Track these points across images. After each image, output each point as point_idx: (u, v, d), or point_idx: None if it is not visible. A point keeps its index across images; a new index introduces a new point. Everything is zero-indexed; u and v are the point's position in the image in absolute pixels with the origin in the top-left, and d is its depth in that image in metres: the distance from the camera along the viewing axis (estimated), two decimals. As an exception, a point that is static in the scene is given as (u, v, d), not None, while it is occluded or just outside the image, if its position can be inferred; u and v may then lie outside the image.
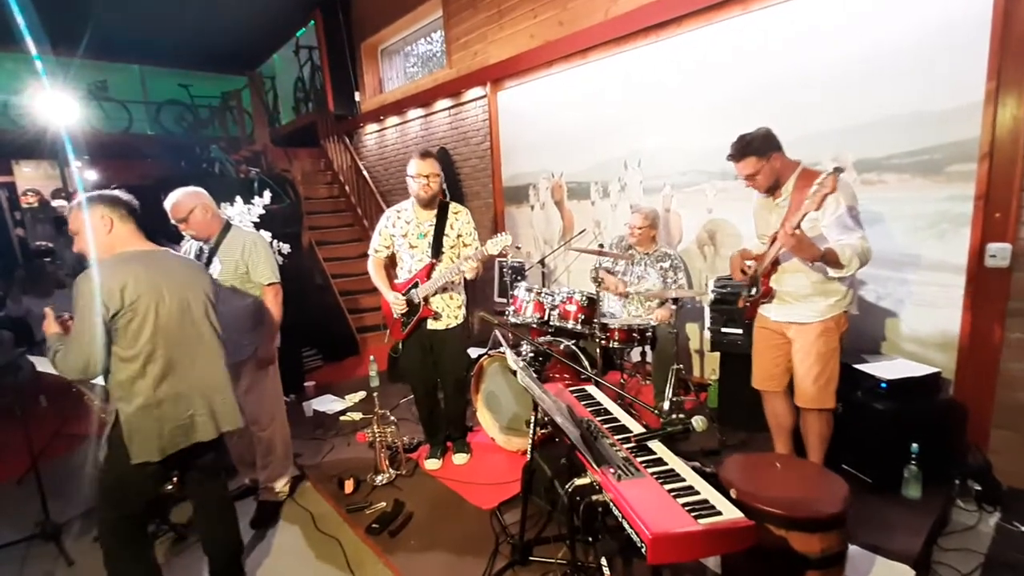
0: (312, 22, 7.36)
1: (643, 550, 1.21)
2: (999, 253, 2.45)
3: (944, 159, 2.59)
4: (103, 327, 1.68)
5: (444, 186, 5.63)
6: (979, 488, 2.42)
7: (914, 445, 2.36)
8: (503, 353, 2.83)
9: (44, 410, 4.16)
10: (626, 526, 1.29)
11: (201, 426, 1.87)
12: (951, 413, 2.56)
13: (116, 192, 1.85)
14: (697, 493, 1.38)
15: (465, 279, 2.74)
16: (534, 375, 1.85)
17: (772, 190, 2.26)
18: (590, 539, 1.90)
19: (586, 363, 3.03)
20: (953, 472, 2.48)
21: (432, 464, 2.97)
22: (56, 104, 5.80)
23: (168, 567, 2.34)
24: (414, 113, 6.19)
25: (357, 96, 7.15)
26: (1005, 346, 2.51)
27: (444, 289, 2.75)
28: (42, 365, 2.26)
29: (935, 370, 2.52)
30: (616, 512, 1.35)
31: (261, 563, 2.36)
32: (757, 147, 2.17)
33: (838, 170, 1.85)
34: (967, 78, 2.46)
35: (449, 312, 2.79)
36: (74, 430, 3.46)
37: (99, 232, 1.77)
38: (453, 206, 2.79)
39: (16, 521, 2.66)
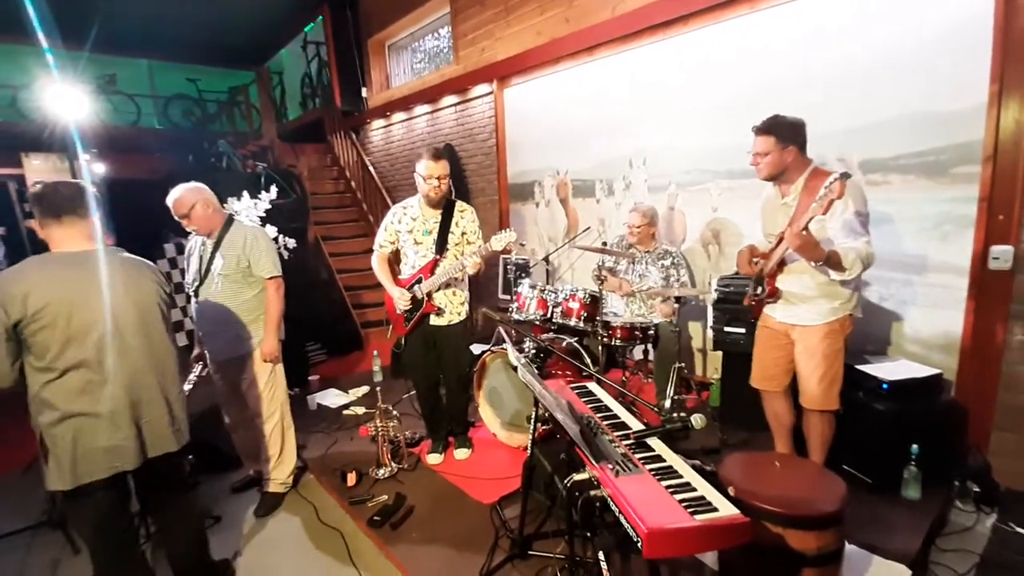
0: (320, 18, 7.38)
1: (639, 544, 1.23)
2: (1002, 255, 2.44)
3: (948, 161, 2.58)
4: (4, 338, 1.56)
5: (450, 183, 5.68)
6: (978, 489, 2.43)
7: (914, 446, 2.36)
8: (506, 350, 2.86)
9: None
10: (623, 521, 1.31)
11: (124, 451, 1.67)
12: (952, 414, 2.56)
13: (48, 190, 1.67)
14: (694, 490, 1.40)
15: (468, 276, 2.76)
16: (535, 371, 1.86)
17: (771, 179, 2.25)
18: (588, 534, 1.92)
19: (588, 360, 3.05)
20: (953, 473, 2.49)
21: (434, 458, 3.00)
22: (65, 98, 5.84)
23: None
24: (420, 109, 6.20)
25: (364, 92, 7.17)
26: (1007, 348, 2.51)
27: (447, 285, 2.77)
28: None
29: (936, 371, 2.52)
30: (613, 507, 1.37)
31: (264, 553, 2.40)
32: (782, 131, 2.16)
33: (846, 175, 1.85)
34: (971, 80, 2.46)
35: (452, 308, 2.81)
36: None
37: (41, 234, 1.68)
38: (459, 204, 2.81)
39: (23, 509, 2.69)
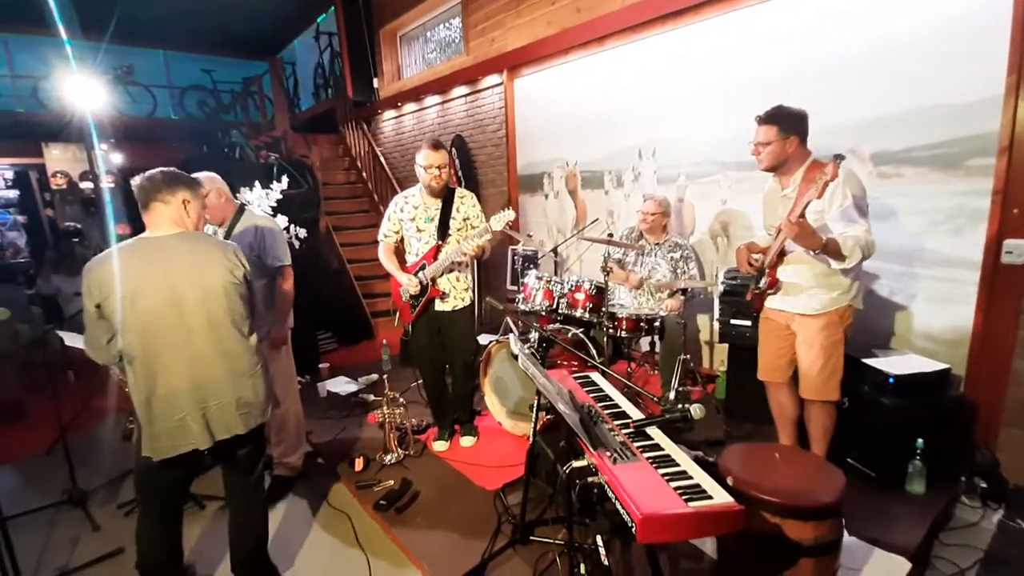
0: (332, 8, 7.40)
1: (633, 529, 1.25)
2: (1016, 250, 2.41)
3: (962, 153, 2.54)
4: (95, 317, 1.69)
5: (460, 173, 5.70)
6: (985, 485, 2.41)
7: (919, 441, 2.35)
8: (512, 338, 2.88)
9: (72, 384, 4.35)
10: (619, 507, 1.33)
11: (193, 432, 1.73)
12: (960, 410, 2.53)
13: (139, 184, 1.75)
14: (690, 478, 1.42)
15: (475, 261, 2.79)
16: (537, 360, 1.89)
17: (772, 170, 2.26)
18: (587, 520, 1.95)
19: (593, 351, 3.06)
20: (959, 469, 2.47)
21: (440, 446, 3.05)
22: (84, 88, 5.95)
23: (190, 533, 2.45)
24: (431, 100, 6.21)
25: (375, 83, 7.20)
26: (1018, 344, 2.48)
27: (450, 270, 2.81)
28: (71, 340, 2.37)
29: (944, 366, 2.49)
30: (610, 493, 1.39)
31: (274, 535, 2.46)
32: (784, 122, 2.16)
33: (839, 157, 1.85)
34: (987, 71, 2.41)
35: (456, 293, 2.85)
36: (101, 403, 3.62)
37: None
38: (459, 191, 2.84)
39: (45, 488, 2.80)
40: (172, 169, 1.80)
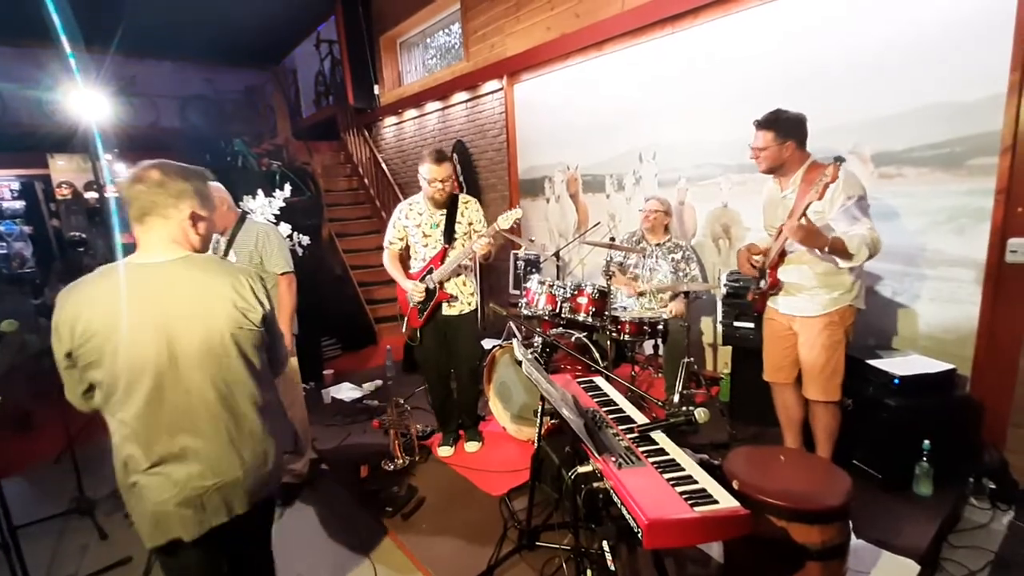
0: (333, 16, 7.45)
1: (639, 535, 1.25)
2: (1020, 248, 2.40)
3: (965, 152, 2.54)
4: (65, 366, 1.31)
5: (461, 178, 5.71)
6: (994, 487, 2.40)
7: (925, 442, 2.34)
8: (515, 343, 2.89)
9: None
10: (624, 512, 1.33)
11: (183, 518, 1.33)
12: (966, 410, 2.52)
13: (128, 177, 1.34)
14: (695, 482, 1.42)
15: (480, 265, 2.80)
16: (540, 366, 1.89)
17: (770, 173, 2.28)
18: (593, 526, 1.94)
19: (596, 355, 3.06)
20: (967, 470, 2.46)
21: (444, 451, 3.05)
22: (88, 100, 6.01)
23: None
24: (432, 106, 6.24)
25: (376, 89, 7.23)
26: (1024, 343, 2.47)
27: (457, 273, 2.82)
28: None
29: (950, 367, 2.48)
30: (616, 499, 1.39)
31: (280, 543, 2.46)
32: (781, 127, 2.18)
33: (839, 159, 1.87)
34: (989, 69, 2.41)
35: (463, 298, 2.86)
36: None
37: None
38: (462, 197, 2.86)
39: (54, 497, 2.81)
40: (177, 165, 1.37)
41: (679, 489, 1.37)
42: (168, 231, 1.33)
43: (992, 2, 2.38)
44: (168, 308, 1.29)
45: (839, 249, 2.04)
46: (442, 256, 2.78)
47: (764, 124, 2.20)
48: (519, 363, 1.96)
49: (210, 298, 1.33)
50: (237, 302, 1.35)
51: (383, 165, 6.95)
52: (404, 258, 2.97)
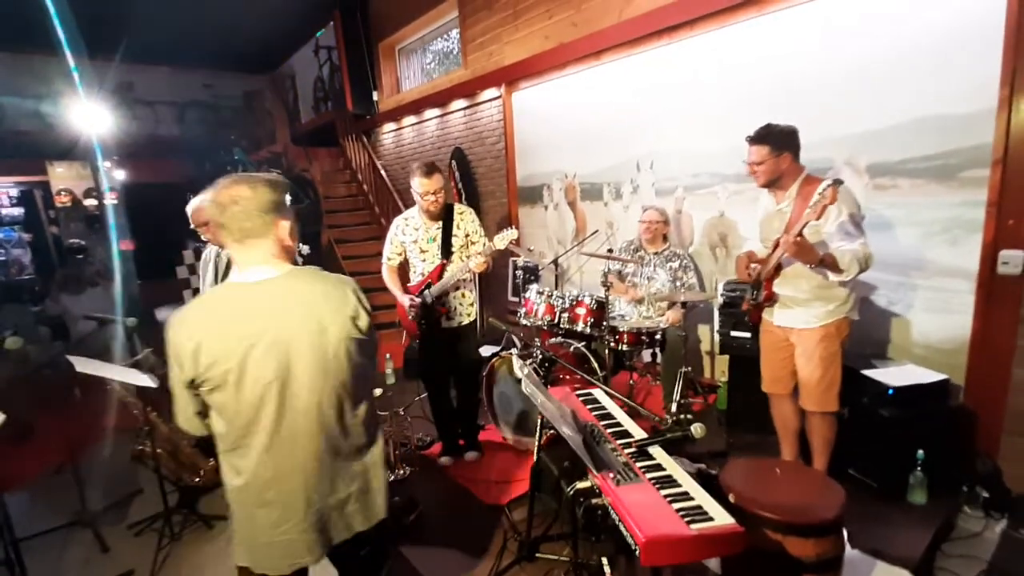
0: (331, 22, 7.48)
1: (637, 552, 1.28)
2: (1011, 260, 2.43)
3: (957, 164, 2.57)
4: (184, 387, 1.30)
5: (460, 185, 5.74)
6: (987, 495, 2.43)
7: (919, 452, 2.37)
8: (514, 354, 2.91)
9: (78, 401, 4.38)
10: (622, 529, 1.36)
11: (307, 545, 1.34)
12: (960, 420, 2.55)
13: (210, 198, 1.31)
14: (692, 499, 1.44)
15: (477, 276, 2.83)
16: (539, 381, 1.91)
17: (767, 186, 2.31)
18: (593, 538, 1.97)
19: (595, 364, 3.09)
20: (961, 478, 2.49)
21: (444, 461, 3.07)
22: (87, 107, 6.05)
23: (199, 554, 2.48)
24: (430, 113, 6.27)
25: (375, 95, 7.26)
26: (1017, 352, 2.50)
27: (456, 287, 2.84)
28: (81, 366, 2.40)
29: (943, 377, 2.52)
30: (614, 515, 1.42)
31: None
32: (775, 140, 2.21)
33: (838, 182, 1.90)
34: (981, 84, 2.44)
35: (462, 310, 2.89)
36: (107, 423, 3.64)
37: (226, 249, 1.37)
38: (458, 207, 2.88)
39: (56, 508, 2.83)
40: (261, 178, 1.32)
41: (676, 506, 1.40)
42: (268, 248, 1.31)
43: (982, 20, 2.42)
44: (283, 324, 1.27)
45: (830, 263, 2.08)
46: (440, 271, 2.81)
47: (758, 138, 2.24)
48: (518, 382, 1.98)
49: (321, 309, 1.31)
50: (347, 310, 1.34)
51: (382, 172, 6.98)
52: (404, 269, 3.00)
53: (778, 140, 2.21)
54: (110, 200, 6.82)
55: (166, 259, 6.42)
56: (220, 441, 1.34)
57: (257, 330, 1.25)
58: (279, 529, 1.32)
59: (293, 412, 1.29)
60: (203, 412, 1.35)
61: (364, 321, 1.37)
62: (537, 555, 2.17)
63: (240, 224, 1.27)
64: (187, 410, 1.34)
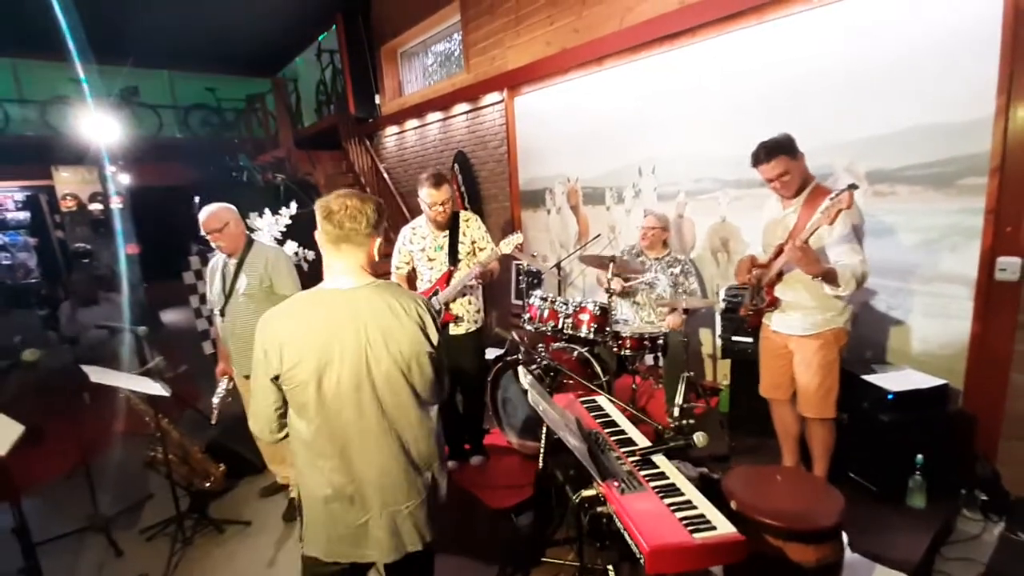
0: (334, 26, 7.52)
1: (641, 561, 1.32)
2: (1009, 267, 2.46)
3: (956, 172, 2.60)
4: (274, 388, 1.38)
5: (463, 189, 5.77)
6: (986, 498, 2.46)
7: (919, 456, 2.40)
8: (519, 359, 2.95)
9: (88, 405, 4.43)
10: (627, 537, 1.40)
11: (379, 541, 1.43)
12: (959, 423, 2.59)
13: (332, 200, 1.40)
14: (695, 508, 1.48)
15: (482, 283, 2.88)
16: (544, 390, 1.95)
17: (799, 193, 2.28)
18: (599, 544, 2.01)
19: (599, 369, 3.13)
20: (960, 482, 2.52)
21: (449, 465, 3.10)
22: (92, 111, 6.10)
23: (211, 558, 2.53)
24: (433, 116, 6.30)
25: (377, 99, 7.30)
26: (1016, 357, 2.53)
27: (463, 294, 2.89)
28: (95, 375, 2.44)
29: (942, 382, 2.55)
30: (618, 523, 1.46)
31: (291, 553, 2.53)
32: (784, 148, 2.23)
33: (853, 187, 1.91)
34: (978, 92, 2.47)
35: (468, 316, 2.93)
36: (118, 427, 3.69)
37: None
38: (463, 214, 2.93)
39: (68, 514, 2.88)
40: (367, 196, 1.45)
41: (679, 515, 1.44)
42: (358, 258, 1.42)
43: (980, 28, 2.45)
44: (364, 333, 1.36)
45: (830, 278, 2.11)
46: (447, 278, 2.85)
47: (768, 154, 2.23)
48: (524, 392, 2.02)
49: (399, 323, 1.40)
50: (422, 327, 1.43)
51: (385, 175, 7.02)
52: (412, 279, 3.04)
53: (786, 146, 2.23)
54: (116, 204, 6.88)
55: (171, 261, 6.47)
56: (298, 439, 1.41)
57: (341, 336, 1.35)
58: (357, 523, 1.42)
59: (368, 418, 1.38)
60: (282, 410, 1.43)
61: (436, 339, 1.47)
62: (543, 559, 2.21)
63: (342, 230, 1.37)
64: (266, 406, 1.41)
